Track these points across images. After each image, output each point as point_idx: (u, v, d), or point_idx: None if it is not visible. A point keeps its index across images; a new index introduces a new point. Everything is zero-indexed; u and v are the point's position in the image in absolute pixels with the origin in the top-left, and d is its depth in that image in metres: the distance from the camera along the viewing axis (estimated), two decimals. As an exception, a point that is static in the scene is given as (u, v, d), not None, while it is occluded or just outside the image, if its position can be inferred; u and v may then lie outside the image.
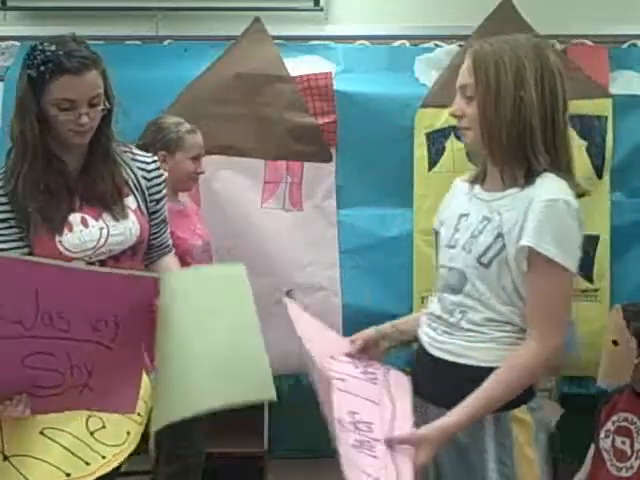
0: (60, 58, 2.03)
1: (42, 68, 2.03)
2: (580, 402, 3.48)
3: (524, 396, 1.87)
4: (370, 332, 2.07)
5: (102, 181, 2.15)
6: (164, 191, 2.33)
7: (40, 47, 2.06)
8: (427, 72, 3.85)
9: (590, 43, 3.89)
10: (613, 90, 3.81)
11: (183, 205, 3.16)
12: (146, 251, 2.33)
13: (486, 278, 1.87)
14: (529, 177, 1.88)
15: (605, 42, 3.88)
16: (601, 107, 3.79)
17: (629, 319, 2.71)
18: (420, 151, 3.75)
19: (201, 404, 1.82)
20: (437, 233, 2.11)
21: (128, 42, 3.90)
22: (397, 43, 3.93)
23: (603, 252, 3.82)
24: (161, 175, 2.30)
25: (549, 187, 1.87)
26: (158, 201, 2.30)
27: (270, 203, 3.80)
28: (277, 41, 3.83)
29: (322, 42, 3.92)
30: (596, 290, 3.83)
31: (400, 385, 1.94)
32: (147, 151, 2.99)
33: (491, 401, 1.81)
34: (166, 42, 3.94)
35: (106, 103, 2.13)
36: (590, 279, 3.84)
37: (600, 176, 3.80)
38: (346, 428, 1.73)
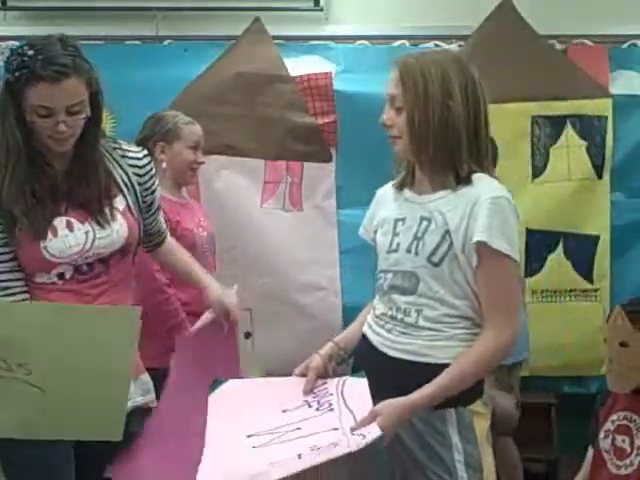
0: (36, 65, 1.94)
1: (17, 74, 1.96)
2: (580, 402, 3.47)
3: (478, 390, 1.96)
4: (317, 361, 2.05)
5: (87, 186, 2.09)
6: (157, 181, 2.29)
7: (19, 50, 1.98)
8: (427, 72, 3.85)
9: (590, 43, 3.89)
10: (613, 90, 3.81)
11: (186, 199, 3.16)
12: (146, 240, 2.31)
13: (438, 276, 1.93)
14: (460, 179, 1.95)
15: (605, 42, 3.88)
16: (601, 107, 3.80)
17: (633, 318, 2.70)
18: (420, 151, 3.75)
19: (49, 431, 1.97)
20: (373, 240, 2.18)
21: (128, 42, 3.91)
22: (397, 43, 3.93)
23: (603, 252, 3.82)
24: (153, 168, 2.27)
25: (489, 186, 1.95)
26: (154, 191, 2.26)
27: (270, 203, 3.80)
28: (277, 41, 3.83)
29: (322, 42, 3.93)
30: (596, 290, 3.83)
31: (357, 394, 1.95)
32: (146, 143, 3.00)
33: (447, 390, 1.87)
34: (166, 42, 3.94)
35: (89, 111, 2.04)
36: (590, 279, 3.84)
37: (600, 176, 3.81)
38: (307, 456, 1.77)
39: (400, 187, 2.09)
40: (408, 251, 1.97)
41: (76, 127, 2.04)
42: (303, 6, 3.98)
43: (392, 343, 1.98)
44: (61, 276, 2.08)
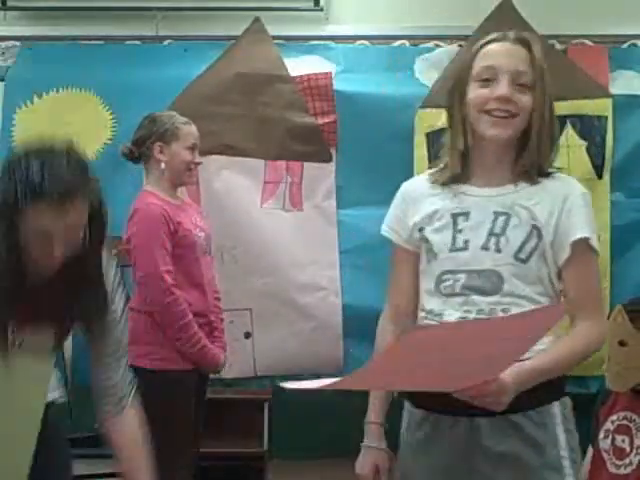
0: (41, 183, 1.65)
1: (18, 189, 1.64)
2: (580, 402, 3.47)
3: (566, 382, 1.92)
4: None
5: (52, 310, 1.80)
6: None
7: (23, 163, 1.67)
8: (427, 72, 3.85)
9: (590, 43, 3.89)
10: (613, 90, 3.81)
11: (181, 201, 3.17)
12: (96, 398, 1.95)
13: (524, 273, 1.84)
14: (541, 172, 1.90)
15: (605, 42, 3.88)
16: (601, 107, 3.79)
17: (633, 318, 2.71)
18: (420, 151, 3.75)
19: None
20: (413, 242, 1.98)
21: (128, 42, 3.91)
22: (397, 43, 3.93)
23: (603, 252, 3.80)
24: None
25: (574, 181, 1.94)
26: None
27: (270, 203, 3.80)
28: (277, 41, 3.84)
29: (322, 42, 3.93)
30: (596, 290, 3.83)
31: None
32: (143, 144, 3.02)
33: (544, 371, 1.78)
34: (166, 42, 3.94)
35: (88, 232, 1.77)
36: (590, 279, 3.83)
37: (600, 176, 3.80)
38: None
39: (444, 181, 1.94)
40: (485, 248, 1.85)
41: (71, 249, 1.77)
42: (303, 6, 3.99)
43: None
44: None
